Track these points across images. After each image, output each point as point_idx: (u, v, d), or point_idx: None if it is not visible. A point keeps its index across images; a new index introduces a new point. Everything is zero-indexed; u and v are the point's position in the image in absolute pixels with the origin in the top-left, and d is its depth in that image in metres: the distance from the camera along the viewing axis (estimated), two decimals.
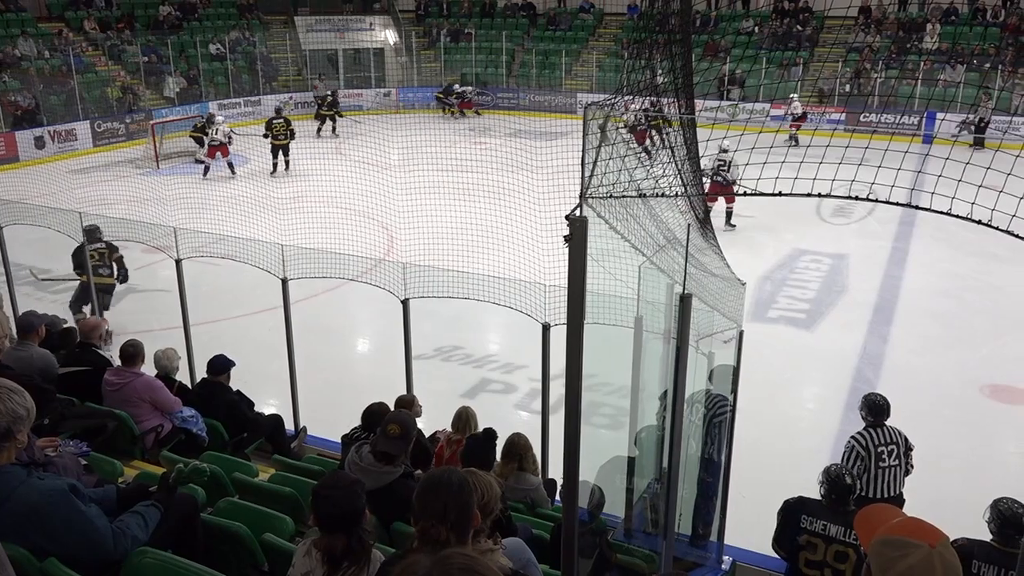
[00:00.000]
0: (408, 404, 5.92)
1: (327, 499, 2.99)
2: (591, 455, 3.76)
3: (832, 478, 4.67)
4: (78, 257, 9.44)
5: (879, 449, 5.55)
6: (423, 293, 6.60)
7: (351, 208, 14.08)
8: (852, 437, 5.71)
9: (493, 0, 31.58)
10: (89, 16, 25.93)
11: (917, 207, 2.88)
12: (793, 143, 17.79)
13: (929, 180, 3.14)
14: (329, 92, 25.04)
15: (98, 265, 9.78)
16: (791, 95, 22.29)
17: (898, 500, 5.62)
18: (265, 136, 18.94)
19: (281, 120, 19.16)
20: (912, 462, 5.76)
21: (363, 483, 3.17)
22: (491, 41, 29.62)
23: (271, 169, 19.01)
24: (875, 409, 5.66)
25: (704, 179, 13.26)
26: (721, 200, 13.69)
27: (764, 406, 7.92)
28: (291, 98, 26.59)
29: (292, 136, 19.10)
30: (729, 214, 14.10)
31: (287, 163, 19.03)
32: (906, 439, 5.69)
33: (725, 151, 12.41)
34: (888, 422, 5.73)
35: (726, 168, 13.22)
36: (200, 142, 20.46)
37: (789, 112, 21.00)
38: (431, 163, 14.08)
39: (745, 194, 3.05)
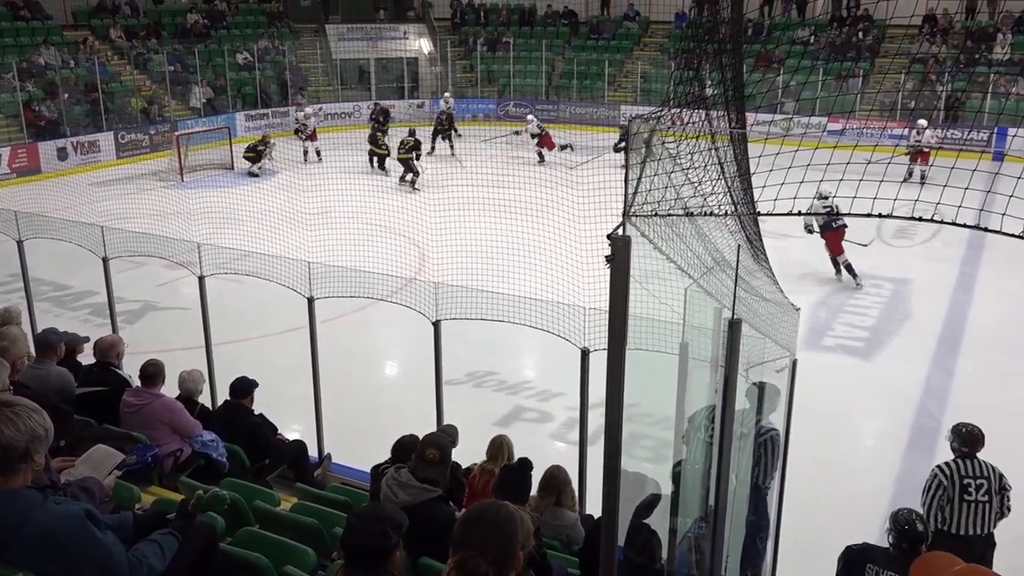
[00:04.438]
0: (449, 439, 5.91)
1: (356, 529, 3.00)
2: (632, 491, 3.73)
3: (902, 525, 4.55)
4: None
5: (965, 481, 5.39)
6: (455, 314, 6.62)
7: (381, 224, 14.22)
8: (937, 466, 5.57)
9: (532, 7, 31.84)
10: (115, 24, 26.61)
11: (986, 229, 2.83)
12: (911, 177, 16.87)
13: (1000, 200, 3.09)
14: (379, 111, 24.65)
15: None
16: (919, 120, 19.72)
17: (987, 540, 5.48)
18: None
19: (412, 139, 19.71)
20: (1009, 504, 5.59)
21: (399, 522, 3.14)
22: (530, 50, 29.85)
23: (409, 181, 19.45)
24: (968, 439, 5.51)
25: (814, 231, 12.89)
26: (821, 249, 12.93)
27: (819, 441, 7.79)
28: (321, 109, 26.96)
29: (412, 151, 19.67)
30: (849, 267, 12.95)
31: (413, 182, 19.40)
32: (1001, 476, 5.53)
33: (826, 197, 11.29)
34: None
35: (834, 212, 11.94)
36: (254, 160, 20.89)
37: (913, 142, 18.59)
38: (465, 178, 14.19)
39: (800, 213, 3.03)
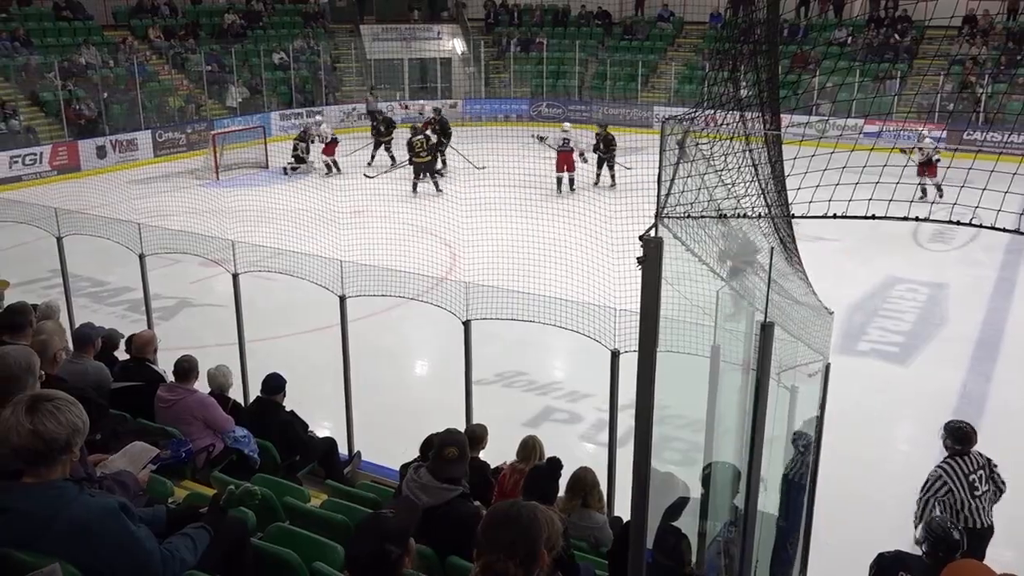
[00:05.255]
0: (478, 439, 5.93)
1: (356, 547, 2.99)
2: (661, 493, 3.71)
3: (938, 533, 4.51)
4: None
5: (971, 478, 5.53)
6: (486, 314, 6.64)
7: (413, 224, 14.29)
8: (939, 467, 5.65)
9: (566, 8, 31.78)
10: (154, 24, 26.98)
11: None
12: (925, 196, 15.04)
13: None
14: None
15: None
16: (921, 131, 17.83)
17: (991, 529, 5.64)
18: (410, 161, 18.93)
19: (421, 137, 18.93)
20: (1001, 480, 5.71)
21: (398, 533, 3.11)
22: (563, 51, 29.81)
23: (436, 190, 18.61)
24: (962, 437, 5.63)
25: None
26: None
27: (852, 447, 7.71)
28: (354, 109, 27.13)
29: (433, 153, 19.11)
30: None
31: (436, 183, 18.77)
32: (988, 460, 5.68)
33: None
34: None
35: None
36: (299, 160, 20.96)
37: (921, 153, 16.61)
38: (497, 178, 14.18)
39: (835, 216, 2.99)
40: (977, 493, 5.53)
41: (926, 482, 5.67)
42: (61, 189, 17.00)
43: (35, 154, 20.80)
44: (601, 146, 19.04)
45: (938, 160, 16.41)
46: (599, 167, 19.21)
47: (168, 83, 25.37)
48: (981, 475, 5.56)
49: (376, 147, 21.67)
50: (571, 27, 31.39)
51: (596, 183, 19.05)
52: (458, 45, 30.90)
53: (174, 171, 21.20)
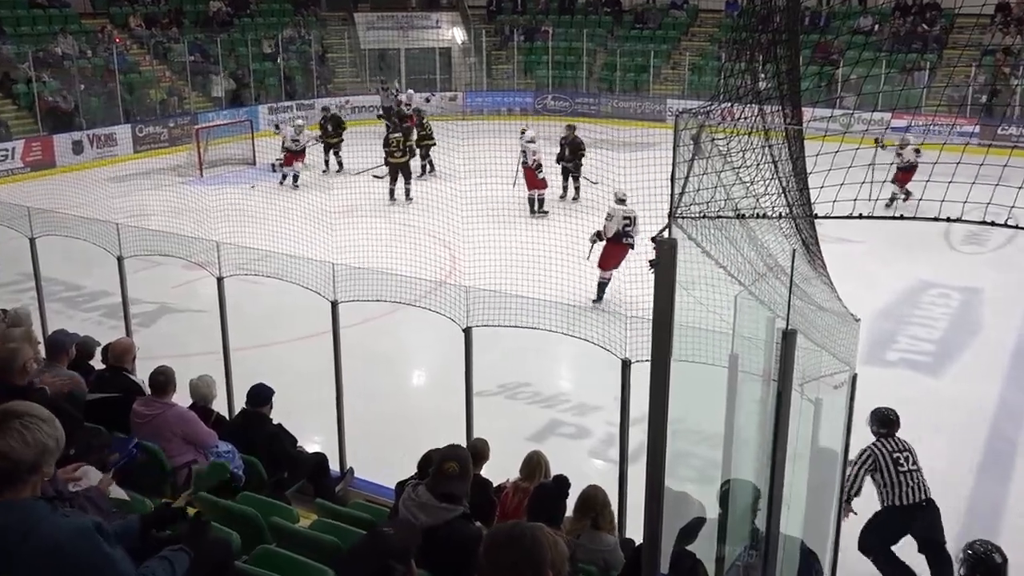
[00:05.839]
0: (480, 454, 5.91)
1: (355, 566, 2.99)
2: (676, 513, 3.69)
3: (978, 556, 4.51)
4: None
5: (895, 455, 6.33)
6: (487, 321, 6.61)
7: (410, 224, 14.30)
8: (870, 445, 6.39)
9: None
10: (135, 12, 27.06)
11: None
12: (903, 197, 15.31)
13: None
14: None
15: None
16: (905, 135, 17.03)
17: (931, 507, 6.28)
18: (385, 161, 18.22)
19: (398, 135, 18.42)
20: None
21: (400, 550, 3.10)
22: (570, 40, 29.83)
23: (391, 197, 18.01)
24: (885, 422, 6.46)
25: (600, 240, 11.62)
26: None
27: None
28: (347, 102, 27.16)
29: (411, 153, 18.44)
30: (604, 287, 11.53)
31: (408, 191, 18.01)
32: (910, 447, 6.48)
33: (623, 200, 11.36)
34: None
35: (632, 225, 11.54)
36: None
37: (899, 158, 16.16)
38: (500, 176, 14.18)
39: (861, 216, 2.98)
40: (902, 470, 6.27)
41: (857, 456, 6.28)
42: (34, 187, 17.00)
43: (6, 150, 20.85)
44: (566, 152, 17.26)
45: (916, 167, 15.88)
46: (564, 178, 17.51)
47: (149, 74, 25.43)
48: (908, 456, 6.34)
49: (326, 150, 20.87)
50: (578, 15, 31.44)
51: (563, 196, 17.58)
52: (458, 34, 30.93)
53: (155, 168, 21.19)
